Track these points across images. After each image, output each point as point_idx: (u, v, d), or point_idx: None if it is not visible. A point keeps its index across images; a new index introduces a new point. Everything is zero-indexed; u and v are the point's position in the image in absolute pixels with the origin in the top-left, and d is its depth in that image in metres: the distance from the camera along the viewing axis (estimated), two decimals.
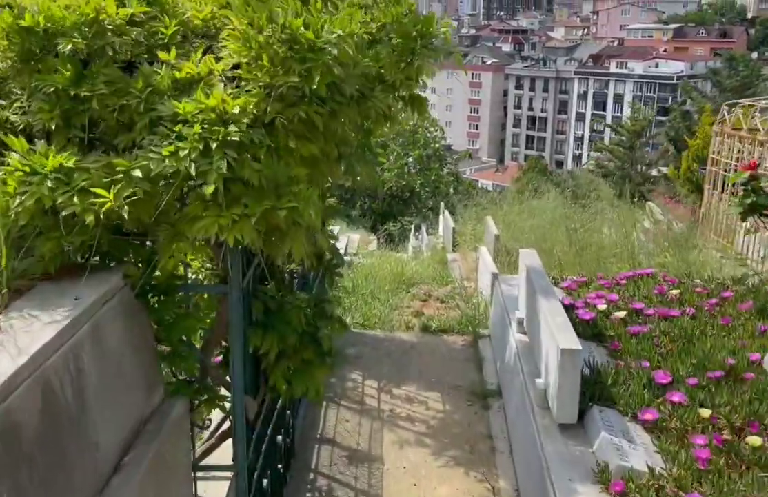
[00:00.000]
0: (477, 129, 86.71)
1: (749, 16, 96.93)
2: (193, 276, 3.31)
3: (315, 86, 2.31)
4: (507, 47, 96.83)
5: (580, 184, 17.18)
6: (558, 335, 3.89)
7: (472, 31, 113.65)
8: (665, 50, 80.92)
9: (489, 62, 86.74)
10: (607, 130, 64.94)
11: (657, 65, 74.69)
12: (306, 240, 2.64)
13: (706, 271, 6.36)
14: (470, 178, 39.67)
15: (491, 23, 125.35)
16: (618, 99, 74.94)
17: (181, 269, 2.93)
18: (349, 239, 15.19)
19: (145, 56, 2.51)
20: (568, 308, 4.87)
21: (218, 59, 2.45)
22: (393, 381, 5.72)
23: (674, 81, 69.79)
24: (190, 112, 2.23)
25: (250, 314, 3.10)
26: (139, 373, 2.46)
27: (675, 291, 5.33)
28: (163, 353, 2.75)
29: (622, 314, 4.91)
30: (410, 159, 23.70)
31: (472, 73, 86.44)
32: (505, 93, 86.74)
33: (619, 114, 67.76)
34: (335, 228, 11.45)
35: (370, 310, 7.21)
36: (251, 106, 2.28)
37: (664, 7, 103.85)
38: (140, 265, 2.57)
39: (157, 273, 2.66)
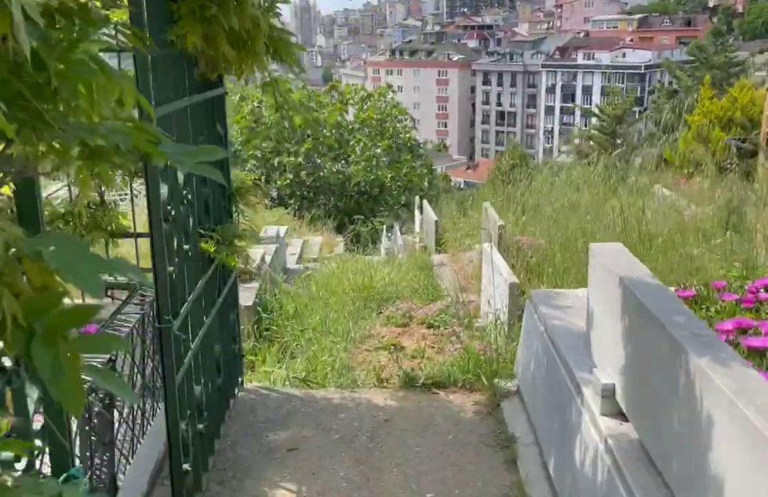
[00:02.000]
0: (446, 127, 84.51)
1: (710, 4, 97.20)
2: None
3: None
4: (473, 43, 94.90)
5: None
6: None
7: (437, 28, 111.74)
8: (632, 40, 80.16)
9: (455, 59, 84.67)
10: (577, 120, 63.38)
11: (624, 55, 73.72)
12: None
13: None
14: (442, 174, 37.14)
15: (456, 20, 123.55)
16: (587, 90, 73.79)
17: None
18: (306, 243, 12.45)
19: None
20: None
21: None
22: None
23: (642, 70, 69.03)
24: None
25: None
26: None
27: None
28: None
29: None
30: (378, 150, 21.04)
31: (439, 70, 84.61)
32: (473, 89, 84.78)
33: (588, 105, 66.53)
34: (281, 229, 8.73)
35: (319, 352, 4.53)
36: None
37: None
38: None
39: None
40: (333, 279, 6.76)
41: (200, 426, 3.08)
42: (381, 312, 5.96)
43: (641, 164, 25.37)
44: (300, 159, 20.13)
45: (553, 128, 77.57)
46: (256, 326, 5.63)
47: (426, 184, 21.19)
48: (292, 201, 19.83)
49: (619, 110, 31.22)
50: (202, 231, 3.31)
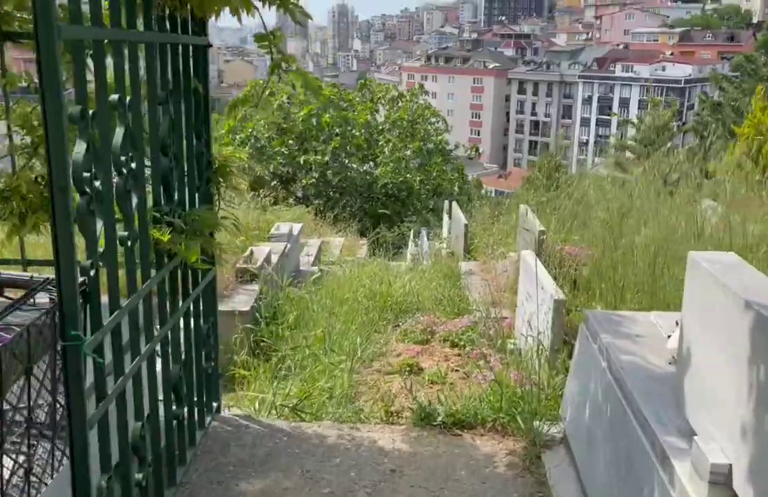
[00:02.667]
0: (479, 135, 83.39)
1: (755, 20, 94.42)
2: None
3: None
4: (509, 52, 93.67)
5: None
6: None
7: (474, 36, 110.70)
8: (672, 54, 78.22)
9: (491, 66, 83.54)
10: (612, 132, 61.80)
11: (664, 69, 71.81)
12: None
13: None
14: (474, 180, 36.08)
15: (493, 28, 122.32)
16: (624, 103, 72.13)
17: None
18: (326, 244, 11.69)
19: None
20: None
21: None
22: None
23: (682, 84, 67.20)
24: None
25: None
26: None
27: None
28: None
29: None
30: (408, 152, 20.24)
31: (474, 78, 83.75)
32: (508, 98, 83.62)
33: (625, 118, 65.11)
34: (294, 226, 7.96)
35: (318, 373, 3.72)
36: None
37: (667, 11, 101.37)
38: None
39: None
40: (346, 285, 5.96)
41: (139, 476, 2.30)
42: (398, 325, 5.16)
43: (680, 178, 23.99)
44: (326, 158, 19.50)
45: (588, 140, 76.08)
46: (252, 335, 4.87)
47: (456, 189, 20.30)
48: (317, 201, 19.19)
49: (660, 121, 29.80)
50: (157, 215, 2.54)
